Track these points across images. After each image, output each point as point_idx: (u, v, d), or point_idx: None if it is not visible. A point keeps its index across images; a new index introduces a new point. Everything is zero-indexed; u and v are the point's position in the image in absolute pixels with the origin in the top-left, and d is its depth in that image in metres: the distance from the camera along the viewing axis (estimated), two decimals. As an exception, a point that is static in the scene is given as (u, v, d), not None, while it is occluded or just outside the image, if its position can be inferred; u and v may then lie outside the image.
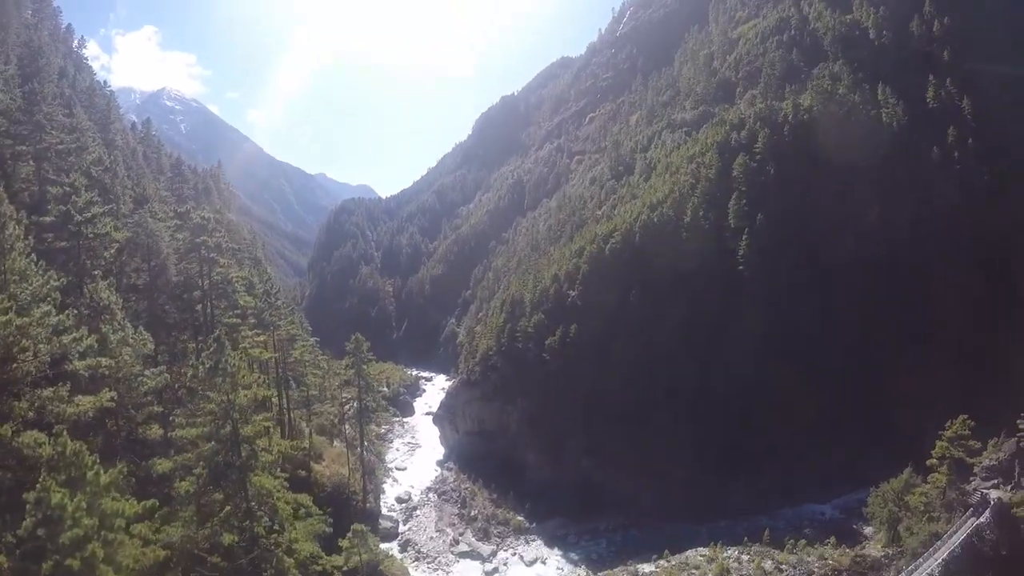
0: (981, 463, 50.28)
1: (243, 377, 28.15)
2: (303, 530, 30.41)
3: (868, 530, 59.77)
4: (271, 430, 43.97)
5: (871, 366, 75.51)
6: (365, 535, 31.96)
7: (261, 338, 50.58)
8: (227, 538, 26.50)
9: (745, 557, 54.88)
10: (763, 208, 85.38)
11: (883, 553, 51.70)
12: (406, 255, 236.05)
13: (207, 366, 27.53)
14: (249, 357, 47.39)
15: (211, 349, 28.01)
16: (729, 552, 56.52)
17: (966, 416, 50.24)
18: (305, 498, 30.96)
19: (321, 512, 33.84)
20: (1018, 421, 47.38)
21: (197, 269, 46.27)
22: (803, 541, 56.76)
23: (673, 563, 55.82)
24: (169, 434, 29.09)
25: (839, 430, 72.05)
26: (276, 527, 27.57)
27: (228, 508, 27.16)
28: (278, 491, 27.74)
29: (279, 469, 31.80)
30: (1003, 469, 48.61)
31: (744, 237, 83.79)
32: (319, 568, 29.74)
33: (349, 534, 31.74)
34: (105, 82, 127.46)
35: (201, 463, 26.92)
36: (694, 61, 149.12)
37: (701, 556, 56.65)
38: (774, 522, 65.56)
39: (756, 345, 76.77)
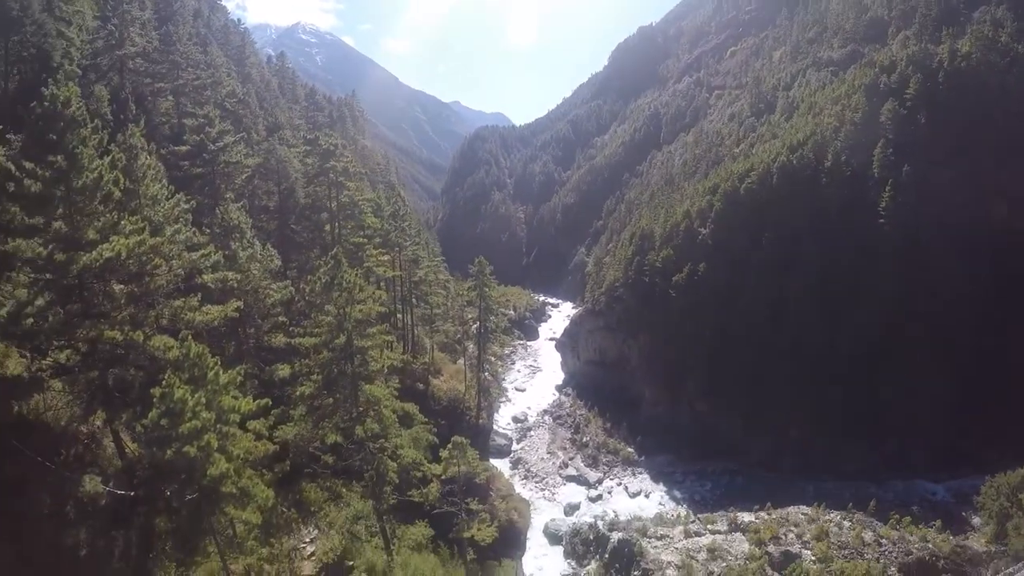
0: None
1: (359, 292, 29.60)
2: (408, 437, 32.49)
3: (976, 521, 56.12)
4: (392, 343, 46.66)
5: (1013, 344, 69.39)
6: (464, 447, 33.56)
7: (385, 257, 52.86)
8: (332, 437, 28.94)
9: (847, 523, 52.65)
10: (911, 159, 78.45)
11: (986, 549, 48.34)
12: (539, 183, 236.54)
13: (324, 281, 29.32)
14: (373, 275, 50.09)
15: (328, 266, 29.69)
16: (831, 515, 54.46)
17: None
18: (412, 407, 32.79)
19: (427, 422, 35.91)
20: None
21: (325, 192, 48.83)
22: (908, 518, 53.76)
23: (774, 516, 54.72)
24: (291, 342, 31.34)
25: (967, 409, 67.16)
26: (382, 432, 29.48)
27: (339, 412, 29.38)
28: (386, 399, 29.56)
29: (393, 379, 33.92)
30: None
31: (887, 189, 77.53)
32: (419, 474, 31.65)
33: (449, 445, 33.49)
34: (239, 20, 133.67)
35: (317, 370, 29.09)
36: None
37: (803, 514, 54.93)
38: (883, 493, 63.22)
39: (890, 307, 72.10)
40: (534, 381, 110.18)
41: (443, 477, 33.58)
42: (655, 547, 49.29)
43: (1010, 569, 41.54)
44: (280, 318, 34.95)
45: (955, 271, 72.85)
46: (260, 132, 64.85)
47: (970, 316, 71.04)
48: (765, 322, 77.88)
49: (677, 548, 48.59)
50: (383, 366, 30.03)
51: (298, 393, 29.12)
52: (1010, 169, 75.96)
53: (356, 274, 30.11)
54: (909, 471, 67.45)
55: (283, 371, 31.10)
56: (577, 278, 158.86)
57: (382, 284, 56.24)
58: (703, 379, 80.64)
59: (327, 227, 49.59)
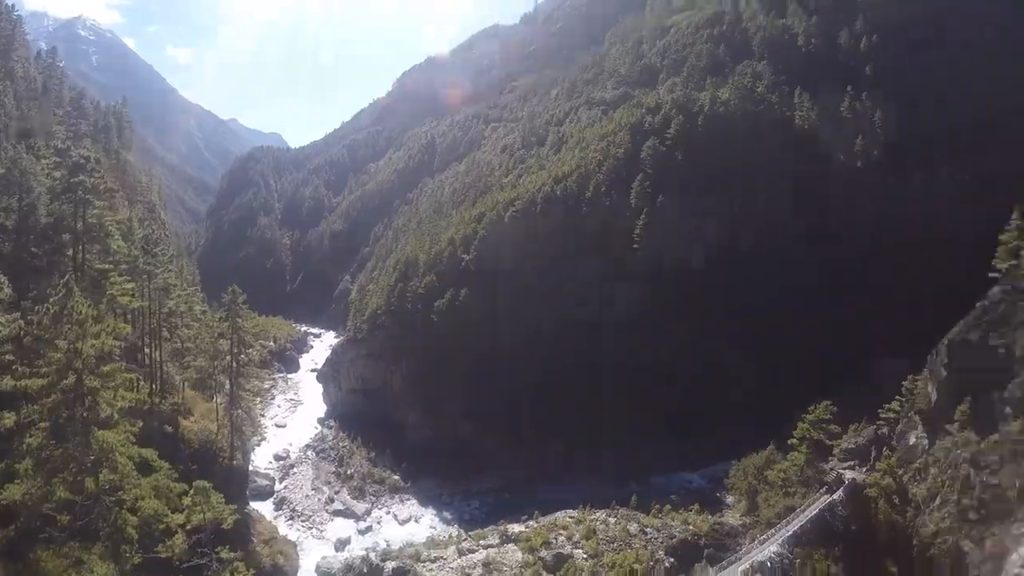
0: (840, 446, 54.32)
1: (93, 324, 26.79)
2: (148, 487, 29.86)
3: (729, 500, 63.70)
4: (135, 382, 42.81)
5: (740, 363, 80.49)
6: (208, 492, 31.55)
7: (130, 285, 48.74)
8: (61, 493, 25.61)
9: (612, 520, 57.30)
10: (665, 191, 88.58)
11: (741, 522, 55.14)
12: (308, 208, 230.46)
13: (52, 312, 26.60)
14: (119, 305, 45.81)
15: (59, 295, 26.77)
16: (597, 514, 58.91)
17: (829, 402, 53.70)
18: (151, 452, 29.79)
19: (172, 468, 33.27)
20: (879, 411, 51.75)
21: (71, 210, 43.85)
22: (668, 507, 59.89)
23: (543, 523, 57.93)
24: (17, 384, 27.87)
25: (719, 409, 76.41)
26: (118, 483, 27.07)
27: (71, 464, 26.40)
28: (121, 446, 27.01)
29: (136, 423, 31.11)
30: (860, 452, 52.39)
31: (642, 218, 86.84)
32: (162, 526, 29.35)
33: (191, 491, 31.42)
34: (14, 5, 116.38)
35: (45, 415, 26.11)
36: (623, 43, 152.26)
37: (570, 518, 58.90)
38: (645, 489, 68.46)
39: (634, 322, 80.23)
40: (295, 415, 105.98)
41: (188, 527, 31.35)
42: (430, 570, 49.75)
43: (764, 536, 47.09)
44: (7, 356, 30.96)
45: (700, 289, 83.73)
46: (10, 137, 56.78)
47: (715, 328, 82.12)
48: (523, 343, 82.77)
49: (452, 568, 49.45)
50: (118, 408, 27.41)
51: (25, 445, 25.66)
52: (757, 203, 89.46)
53: (89, 305, 27.56)
54: (667, 466, 74.59)
55: (8, 420, 26.94)
56: (342, 306, 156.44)
57: (128, 316, 51.68)
58: (464, 401, 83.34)
59: (70, 251, 44.68)
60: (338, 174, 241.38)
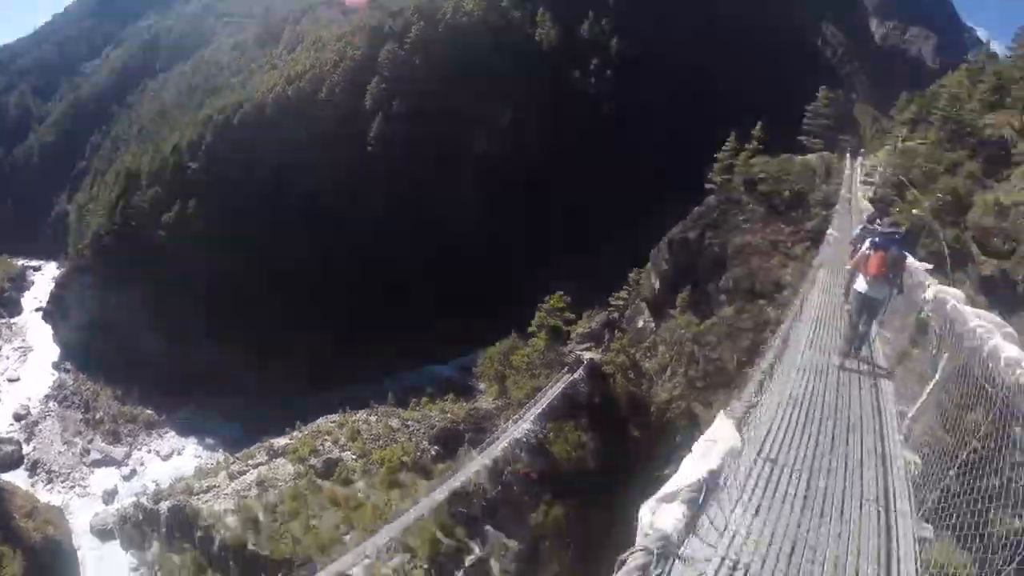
0: (576, 331, 59.11)
1: None
2: None
3: (482, 386, 66.93)
4: None
5: (496, 252, 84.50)
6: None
7: None
8: None
9: (373, 418, 57.89)
10: (401, 96, 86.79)
11: (494, 405, 58.53)
12: (13, 118, 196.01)
13: None
14: None
15: None
16: (358, 415, 58.90)
17: (562, 293, 57.06)
18: None
19: None
20: (609, 299, 58.05)
21: None
22: (425, 399, 61.48)
23: (306, 432, 57.15)
24: None
25: (464, 302, 79.80)
26: None
27: None
28: None
29: None
30: (595, 336, 57.44)
31: (377, 120, 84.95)
32: None
33: None
34: None
35: None
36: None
37: (332, 423, 58.46)
38: (400, 384, 70.08)
39: (381, 226, 79.75)
40: (27, 365, 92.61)
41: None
42: (206, 501, 47.49)
43: (516, 415, 49.36)
44: None
45: (445, 195, 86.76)
46: None
47: (461, 230, 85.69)
48: (263, 253, 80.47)
49: (227, 494, 47.90)
50: None
51: None
52: (487, 105, 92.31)
53: None
54: (420, 360, 77.44)
55: None
56: (60, 231, 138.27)
57: None
58: (207, 321, 79.29)
59: None
60: (49, 77, 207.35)
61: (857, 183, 44.87)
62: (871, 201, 39.84)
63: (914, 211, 49.79)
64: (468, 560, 35.53)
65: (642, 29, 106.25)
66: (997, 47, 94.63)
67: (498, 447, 44.11)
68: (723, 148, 53.02)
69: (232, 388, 74.53)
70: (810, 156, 51.16)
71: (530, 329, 57.52)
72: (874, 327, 11.79)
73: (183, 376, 76.70)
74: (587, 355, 53.51)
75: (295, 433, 58.53)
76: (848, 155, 54.04)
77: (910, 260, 11.35)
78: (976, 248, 52.21)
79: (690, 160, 67.15)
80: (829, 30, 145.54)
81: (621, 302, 56.06)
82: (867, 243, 11.24)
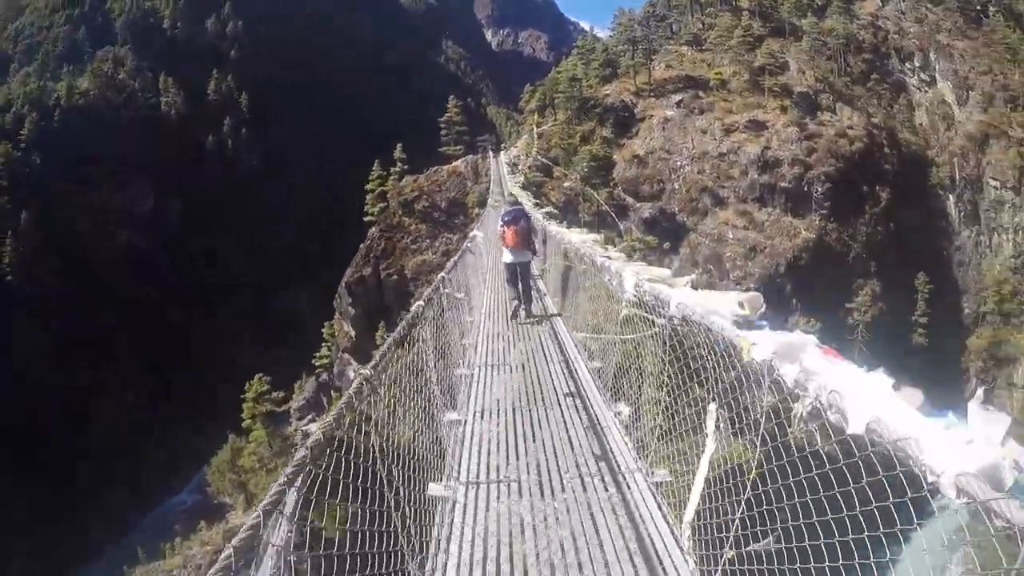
0: (292, 407, 54.02)
1: None
2: None
3: (229, 500, 59.38)
4: None
5: (178, 356, 75.01)
6: None
7: None
8: None
9: None
10: (29, 206, 75.05)
11: (251, 514, 51.52)
12: None
13: None
14: None
15: None
16: None
17: (261, 375, 52.57)
18: None
19: None
20: (313, 360, 53.38)
21: None
22: (179, 539, 52.88)
23: None
24: None
25: (171, 420, 69.90)
26: None
27: None
28: None
29: None
30: (313, 404, 53.43)
31: (9, 240, 72.59)
32: None
33: None
34: None
35: None
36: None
37: None
38: (144, 535, 59.75)
39: (41, 359, 68.46)
40: None
41: None
42: None
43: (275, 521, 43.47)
44: None
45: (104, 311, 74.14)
46: None
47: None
48: None
49: None
50: None
51: None
52: (128, 194, 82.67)
53: None
54: (152, 499, 66.96)
55: None
56: None
57: None
58: None
59: None
60: None
61: (505, 175, 45.33)
62: (523, 187, 40.08)
63: (566, 184, 52.41)
64: None
65: (263, 77, 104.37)
66: (600, 32, 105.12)
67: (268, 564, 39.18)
68: (369, 178, 51.42)
69: None
70: (456, 163, 51.29)
71: (244, 424, 52.15)
72: (539, 285, 14.64)
73: None
74: (312, 427, 50.28)
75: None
76: (491, 152, 55.30)
77: (534, 219, 14.46)
78: (631, 198, 56.81)
79: (345, 200, 65.55)
80: (449, 47, 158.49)
81: (326, 360, 52.54)
82: (499, 223, 13.03)
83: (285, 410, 53.85)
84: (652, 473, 5.57)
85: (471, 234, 14.01)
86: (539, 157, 50.12)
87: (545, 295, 14.71)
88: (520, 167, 47.88)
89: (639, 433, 6.54)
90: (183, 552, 52.54)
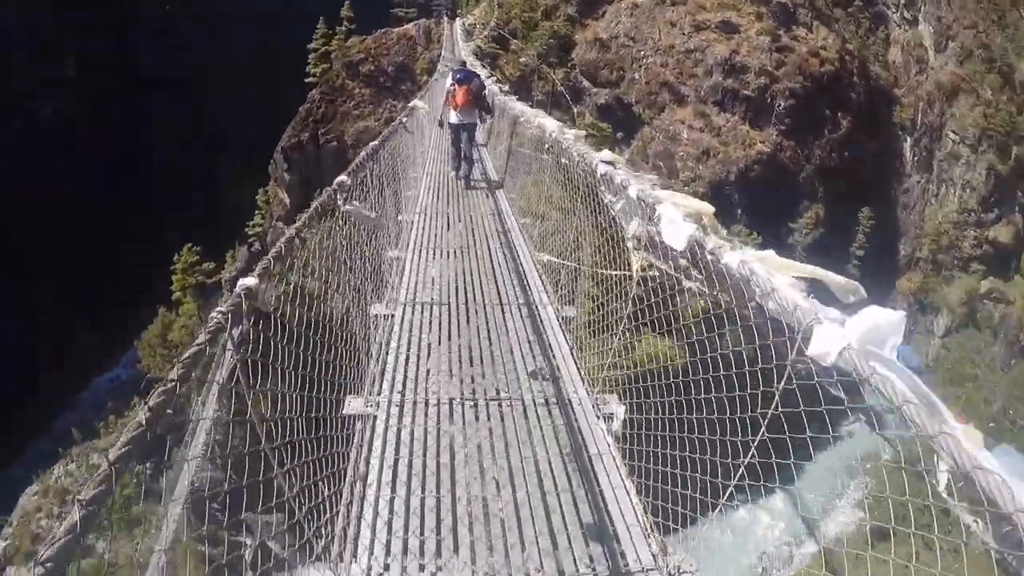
0: (224, 278, 51.58)
1: None
2: None
3: (161, 375, 57.61)
4: None
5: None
6: None
7: None
8: None
9: (72, 466, 45.22)
10: None
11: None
12: None
13: None
14: None
15: None
16: (54, 472, 45.83)
17: (191, 244, 50.32)
18: None
19: None
20: (246, 229, 50.96)
21: None
22: (112, 416, 50.69)
23: (15, 524, 43.51)
24: None
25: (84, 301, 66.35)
26: None
27: None
28: None
29: None
30: (245, 274, 50.59)
31: None
32: None
33: None
34: None
35: None
36: None
37: (34, 496, 44.88)
38: (83, 413, 56.32)
39: None
40: None
41: None
42: None
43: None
44: None
45: None
46: None
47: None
48: None
49: None
50: None
51: None
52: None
53: None
54: (84, 377, 64.28)
55: None
56: None
57: None
58: None
59: None
60: None
61: (459, 43, 42.58)
62: (477, 57, 37.71)
63: (521, 60, 49.69)
64: None
65: None
66: None
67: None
68: (314, 37, 47.67)
69: None
70: (407, 26, 47.71)
71: (175, 296, 50.15)
72: (481, 151, 14.63)
73: None
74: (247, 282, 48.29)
75: (6, 531, 45.43)
76: (445, 18, 51.86)
77: (487, 86, 14.30)
78: (588, 82, 54.62)
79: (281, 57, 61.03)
80: None
81: (259, 229, 50.10)
82: (450, 80, 12.66)
83: (216, 281, 51.62)
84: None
85: (411, 104, 12.53)
86: (497, 28, 47.15)
87: (487, 161, 14.60)
88: (475, 36, 45.05)
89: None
90: (118, 429, 50.93)
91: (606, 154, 5.70)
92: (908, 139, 60.10)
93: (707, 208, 3.83)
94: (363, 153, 6.89)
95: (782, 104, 52.86)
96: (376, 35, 46.18)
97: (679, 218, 3.67)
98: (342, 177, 5.38)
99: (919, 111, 60.34)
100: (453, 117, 12.35)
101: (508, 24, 48.58)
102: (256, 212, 49.59)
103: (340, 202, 4.96)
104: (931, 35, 65.07)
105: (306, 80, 46.84)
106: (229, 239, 53.84)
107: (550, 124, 7.83)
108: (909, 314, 55.79)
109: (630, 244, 4.47)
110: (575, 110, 45.49)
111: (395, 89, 42.32)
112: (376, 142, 7.06)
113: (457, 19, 51.62)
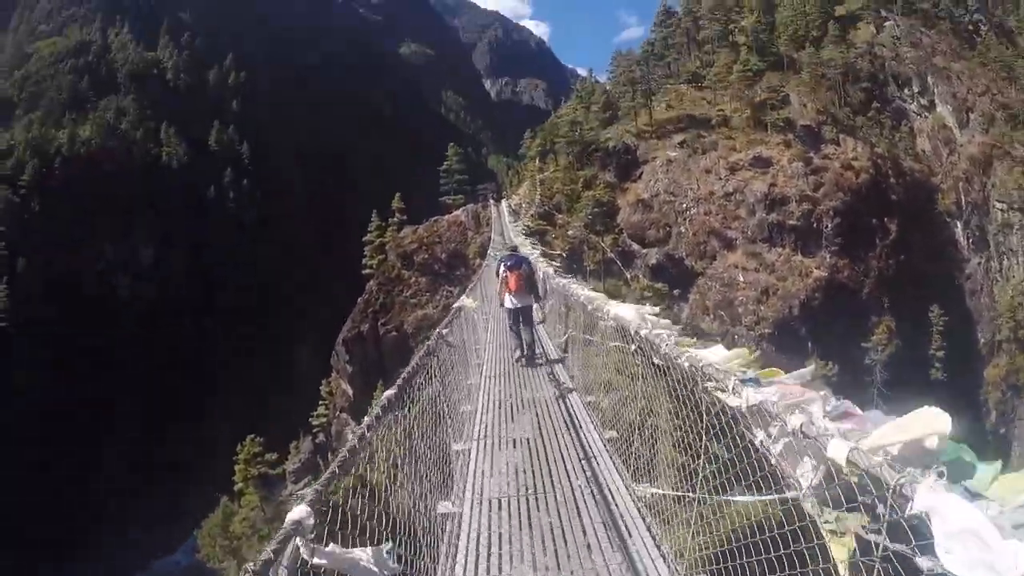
0: (288, 469, 51.29)
1: None
2: None
3: (224, 565, 57.02)
4: None
5: (164, 410, 73.28)
6: None
7: None
8: None
9: None
10: (26, 251, 74.16)
11: None
12: None
13: None
14: None
15: None
16: None
17: (253, 436, 50.34)
18: None
19: None
20: (310, 418, 50.53)
21: None
22: None
23: None
24: None
25: (153, 479, 67.66)
26: None
27: None
28: None
29: None
30: (309, 466, 50.41)
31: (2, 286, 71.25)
32: None
33: None
34: None
35: None
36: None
37: None
38: None
39: (37, 409, 66.75)
40: None
41: None
42: None
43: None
44: None
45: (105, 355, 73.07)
46: None
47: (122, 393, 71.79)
48: None
49: None
50: None
51: None
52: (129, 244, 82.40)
53: None
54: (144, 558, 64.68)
55: None
56: None
57: None
58: None
59: None
60: None
61: (507, 223, 43.82)
62: (527, 235, 38.48)
63: (569, 232, 50.83)
64: None
65: (262, 128, 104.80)
66: (599, 78, 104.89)
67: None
68: (368, 230, 49.74)
69: None
70: (456, 212, 49.77)
71: (237, 487, 51.27)
72: (540, 331, 14.59)
73: None
74: (307, 491, 47.76)
75: None
76: (492, 201, 53.90)
77: (537, 267, 15.06)
78: (636, 244, 55.29)
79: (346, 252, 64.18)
80: (449, 97, 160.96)
81: (323, 419, 50.42)
82: (501, 268, 13.17)
83: (280, 472, 51.56)
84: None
85: (455, 305, 12.47)
86: (542, 205, 48.64)
87: (547, 341, 15.01)
88: (522, 215, 46.37)
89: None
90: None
91: (738, 357, 3.65)
92: (958, 223, 58.90)
93: (940, 425, 2.06)
94: (412, 363, 6.48)
95: (828, 225, 52.98)
96: (427, 224, 48.01)
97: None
98: (389, 392, 5.00)
99: (960, 192, 59.43)
100: (508, 302, 12.77)
101: (552, 199, 50.22)
102: (320, 403, 49.99)
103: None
104: (951, 113, 65.20)
105: (363, 272, 48.53)
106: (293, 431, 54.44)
107: (627, 313, 6.92)
108: (1004, 401, 53.08)
109: (808, 506, 2.72)
110: (628, 274, 45.66)
111: (450, 276, 43.35)
112: (420, 354, 6.52)
113: (503, 200, 53.58)
